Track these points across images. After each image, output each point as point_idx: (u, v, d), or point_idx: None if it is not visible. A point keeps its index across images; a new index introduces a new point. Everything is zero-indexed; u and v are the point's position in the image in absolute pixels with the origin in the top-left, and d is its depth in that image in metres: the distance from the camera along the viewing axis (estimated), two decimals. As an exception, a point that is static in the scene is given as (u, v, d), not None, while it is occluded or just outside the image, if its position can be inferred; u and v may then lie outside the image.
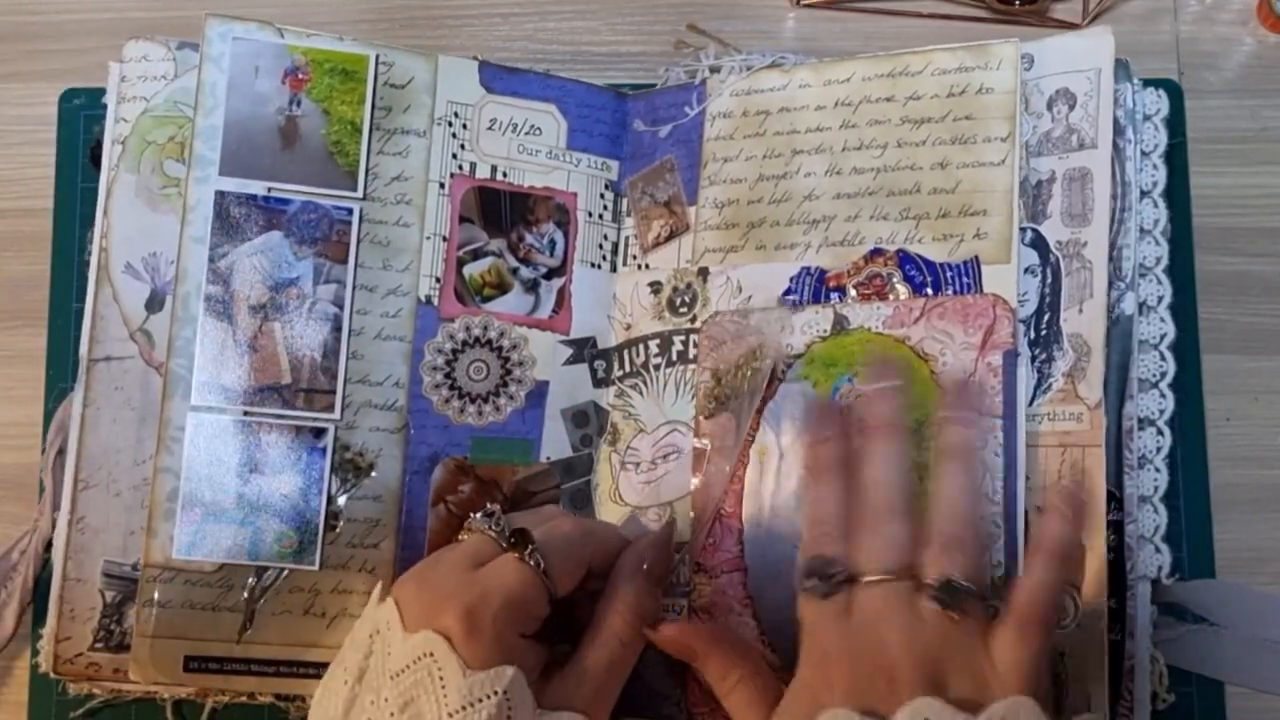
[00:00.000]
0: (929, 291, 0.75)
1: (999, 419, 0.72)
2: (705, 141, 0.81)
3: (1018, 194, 0.74)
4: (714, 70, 0.83)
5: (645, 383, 0.80)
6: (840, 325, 0.76)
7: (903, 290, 0.75)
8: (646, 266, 0.81)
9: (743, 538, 0.75)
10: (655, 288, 0.81)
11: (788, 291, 0.78)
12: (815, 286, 0.77)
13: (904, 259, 0.76)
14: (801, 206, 0.78)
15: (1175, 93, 0.80)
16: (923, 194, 0.76)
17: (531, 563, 0.66)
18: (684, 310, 0.80)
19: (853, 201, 0.78)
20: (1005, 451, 0.71)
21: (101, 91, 0.82)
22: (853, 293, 0.76)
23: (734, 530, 0.75)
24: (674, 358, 0.79)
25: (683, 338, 0.79)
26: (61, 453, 0.78)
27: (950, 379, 0.73)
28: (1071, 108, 0.75)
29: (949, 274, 0.75)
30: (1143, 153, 0.77)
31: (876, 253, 0.77)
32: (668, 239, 0.81)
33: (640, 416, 0.80)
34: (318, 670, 0.74)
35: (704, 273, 0.80)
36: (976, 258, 0.74)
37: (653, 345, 0.80)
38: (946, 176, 0.76)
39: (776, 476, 0.75)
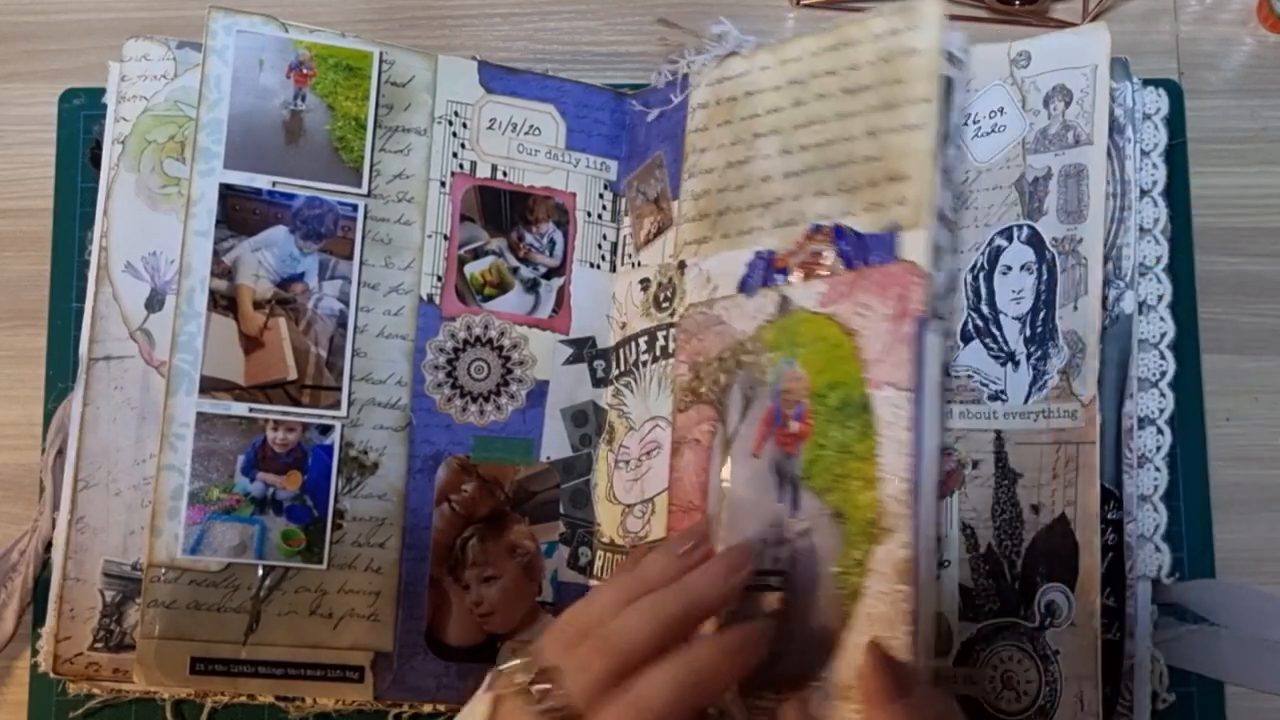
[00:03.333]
0: (858, 264, 0.72)
1: (908, 390, 0.67)
2: (687, 135, 0.80)
3: (937, 157, 0.71)
4: (691, 64, 0.83)
5: (635, 380, 0.80)
6: (784, 307, 0.73)
7: (836, 265, 0.73)
8: (639, 264, 0.81)
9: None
10: (645, 284, 0.81)
11: (746, 278, 0.76)
12: (765, 269, 0.75)
13: (838, 233, 0.73)
14: (758, 190, 0.77)
15: (1175, 92, 0.80)
16: (856, 165, 0.73)
17: None
18: (666, 305, 0.79)
19: (799, 180, 0.75)
20: (914, 425, 0.67)
21: (101, 91, 0.82)
22: (796, 272, 0.74)
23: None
24: (658, 353, 0.79)
25: (665, 333, 0.79)
26: (61, 452, 0.78)
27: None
28: (1068, 104, 0.75)
29: (872, 244, 0.71)
30: (1143, 152, 0.77)
31: (816, 229, 0.74)
32: (655, 235, 0.81)
33: (631, 414, 0.80)
34: (325, 672, 0.74)
35: (682, 266, 0.79)
36: (897, 225, 0.71)
37: (641, 342, 0.80)
38: (876, 144, 0.73)
39: (737, 467, 0.73)
